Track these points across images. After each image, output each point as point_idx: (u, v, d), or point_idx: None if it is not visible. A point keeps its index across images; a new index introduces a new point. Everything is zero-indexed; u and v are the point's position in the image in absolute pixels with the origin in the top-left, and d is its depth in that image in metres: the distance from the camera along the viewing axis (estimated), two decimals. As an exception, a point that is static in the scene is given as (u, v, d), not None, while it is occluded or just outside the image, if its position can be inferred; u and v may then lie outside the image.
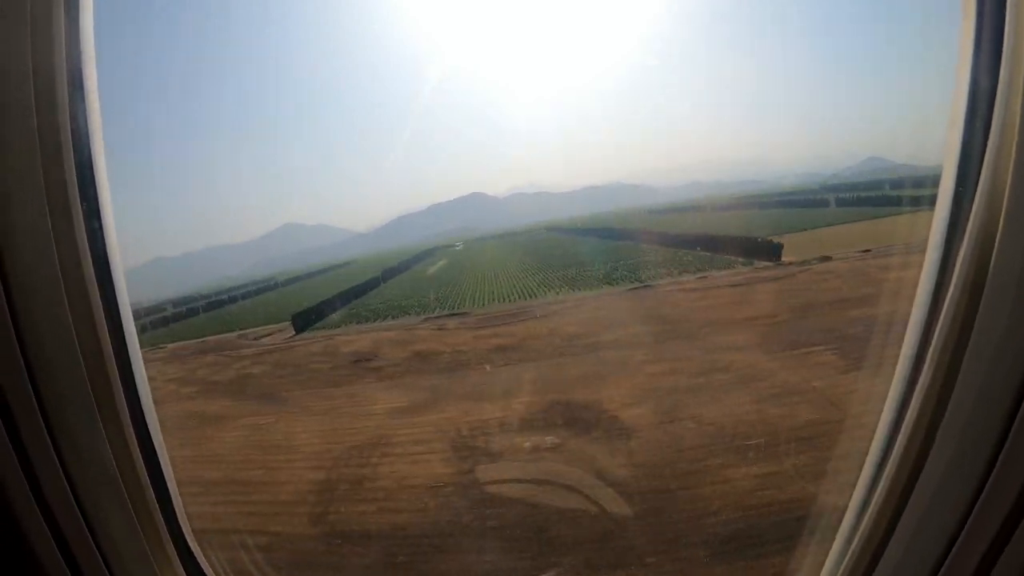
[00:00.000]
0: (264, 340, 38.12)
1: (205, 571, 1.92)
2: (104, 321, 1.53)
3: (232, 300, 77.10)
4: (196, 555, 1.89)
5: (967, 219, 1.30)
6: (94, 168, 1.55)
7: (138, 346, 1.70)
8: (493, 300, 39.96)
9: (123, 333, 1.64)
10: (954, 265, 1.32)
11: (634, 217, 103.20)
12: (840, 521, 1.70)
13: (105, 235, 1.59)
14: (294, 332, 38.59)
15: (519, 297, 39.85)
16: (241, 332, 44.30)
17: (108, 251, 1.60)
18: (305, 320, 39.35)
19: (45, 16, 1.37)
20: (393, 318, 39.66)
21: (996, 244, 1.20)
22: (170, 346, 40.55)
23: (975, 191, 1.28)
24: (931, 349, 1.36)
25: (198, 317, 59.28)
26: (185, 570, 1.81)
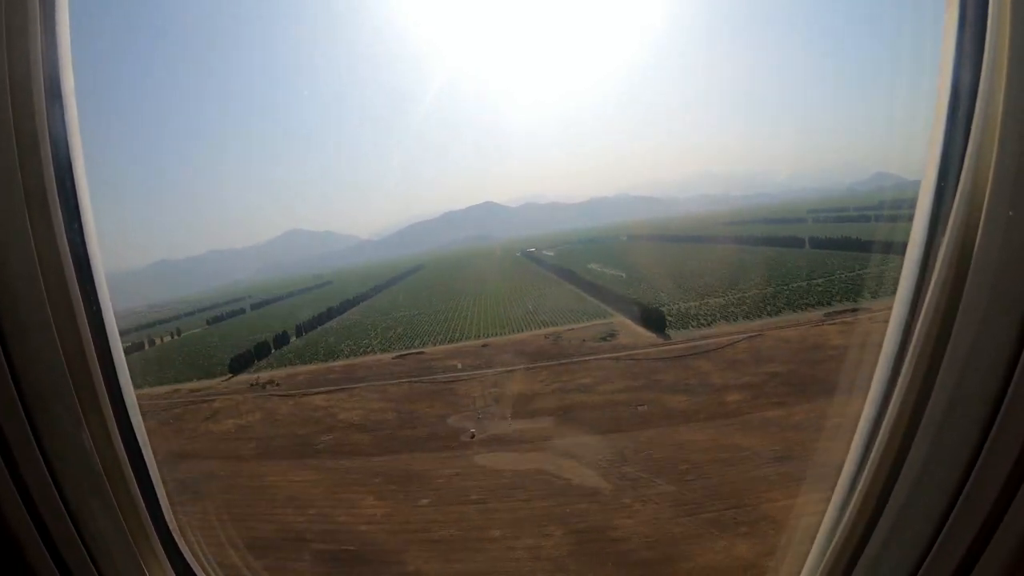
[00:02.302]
0: (640, 349, 34.98)
1: (191, 564, 1.95)
2: (86, 321, 1.56)
3: (359, 300, 73.12)
4: (182, 549, 1.92)
5: (947, 219, 1.31)
6: (73, 171, 1.58)
7: (120, 345, 1.71)
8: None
9: (105, 333, 1.66)
10: (934, 265, 1.34)
11: (711, 225, 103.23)
12: (820, 521, 1.72)
13: (86, 237, 1.62)
14: (657, 336, 36.07)
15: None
16: (551, 331, 41.12)
17: (89, 252, 1.63)
18: (660, 322, 36.98)
19: (21, 24, 1.40)
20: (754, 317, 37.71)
21: (976, 244, 1.22)
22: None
23: (956, 190, 1.30)
24: (910, 351, 1.38)
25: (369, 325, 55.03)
26: (171, 564, 1.83)
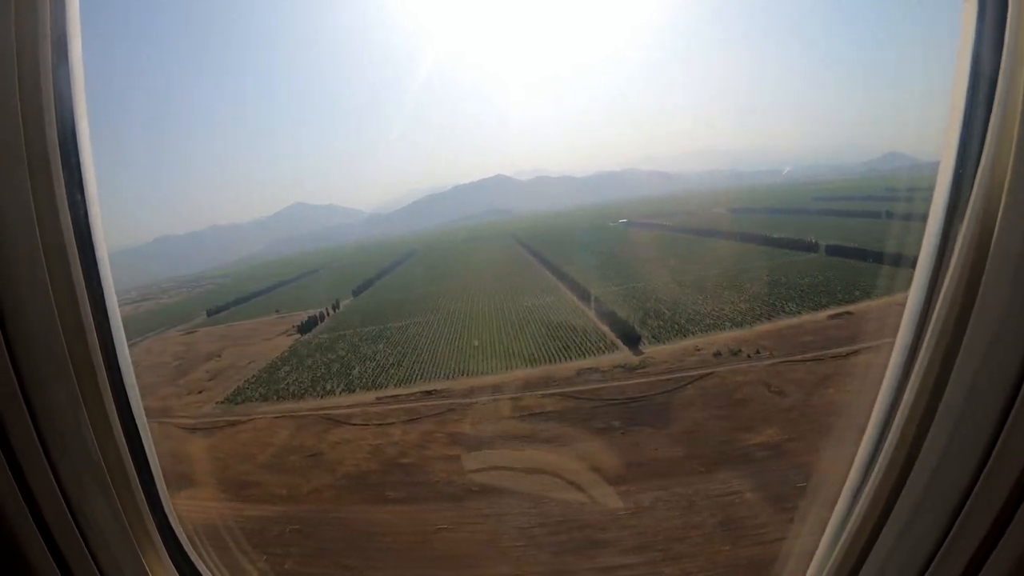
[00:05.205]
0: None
1: (191, 557, 1.96)
2: (89, 307, 1.55)
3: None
4: (182, 541, 1.94)
5: (964, 214, 1.29)
6: (79, 151, 1.56)
7: (123, 332, 1.71)
8: None
9: (108, 319, 1.66)
10: (950, 259, 1.32)
11: (798, 199, 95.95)
12: (828, 518, 1.71)
13: (90, 217, 1.60)
14: None
15: None
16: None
17: (93, 235, 1.60)
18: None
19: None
20: None
21: (993, 239, 1.20)
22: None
23: (973, 184, 1.28)
24: (923, 349, 1.37)
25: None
26: (171, 557, 1.85)
